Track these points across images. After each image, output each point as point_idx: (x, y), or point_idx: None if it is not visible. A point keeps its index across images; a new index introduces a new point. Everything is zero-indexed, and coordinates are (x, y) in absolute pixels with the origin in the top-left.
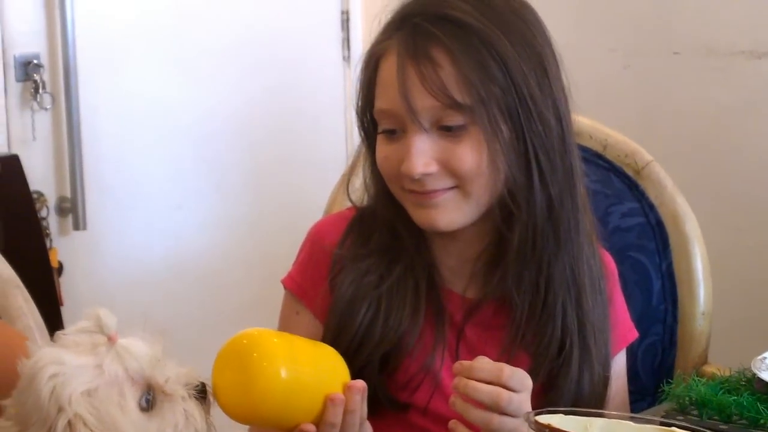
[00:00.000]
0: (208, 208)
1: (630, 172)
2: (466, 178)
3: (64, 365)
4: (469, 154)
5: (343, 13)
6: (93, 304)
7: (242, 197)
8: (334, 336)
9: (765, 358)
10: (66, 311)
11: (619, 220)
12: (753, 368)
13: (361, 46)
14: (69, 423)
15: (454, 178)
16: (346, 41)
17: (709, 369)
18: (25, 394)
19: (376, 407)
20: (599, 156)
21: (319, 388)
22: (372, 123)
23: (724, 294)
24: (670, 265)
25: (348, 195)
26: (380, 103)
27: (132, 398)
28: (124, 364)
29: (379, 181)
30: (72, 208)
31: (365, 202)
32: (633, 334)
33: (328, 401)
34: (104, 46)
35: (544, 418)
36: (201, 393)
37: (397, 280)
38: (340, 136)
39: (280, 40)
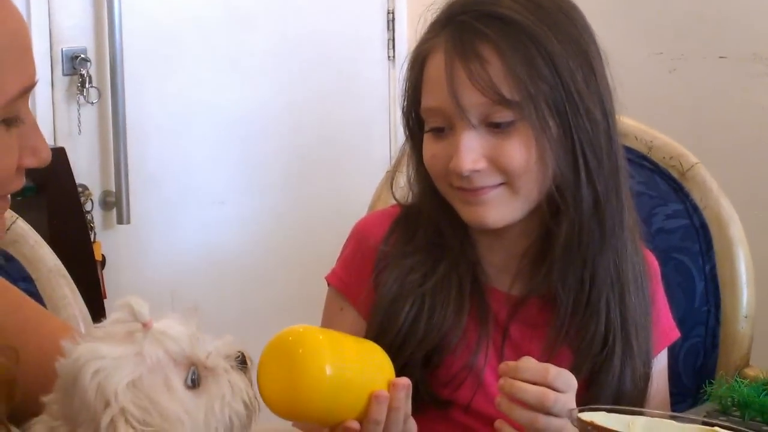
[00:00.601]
0: (251, 204)
1: (675, 174)
2: (515, 175)
3: (105, 358)
4: (518, 150)
5: (388, 12)
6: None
7: (286, 195)
8: (377, 334)
9: None
10: (109, 304)
11: (663, 222)
12: None
13: (406, 45)
14: (112, 420)
15: (502, 175)
16: (392, 41)
17: (751, 372)
18: (71, 393)
19: (419, 404)
20: (644, 157)
21: (363, 385)
22: (418, 122)
23: (767, 298)
24: (713, 268)
25: (392, 192)
26: (428, 101)
27: (178, 379)
28: (164, 346)
29: (424, 180)
30: (116, 202)
31: (409, 200)
32: (675, 334)
33: (373, 398)
34: (151, 41)
35: (587, 416)
36: (242, 363)
37: (441, 278)
38: (384, 135)
39: (326, 40)
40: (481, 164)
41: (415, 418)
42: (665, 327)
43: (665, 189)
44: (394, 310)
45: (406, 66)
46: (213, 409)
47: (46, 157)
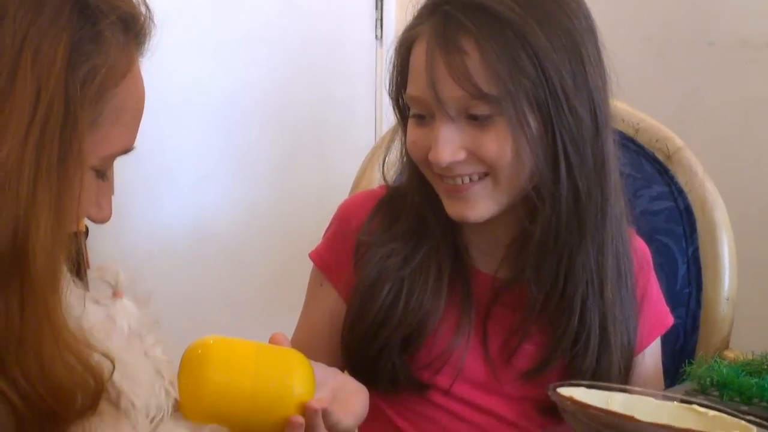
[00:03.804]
0: (235, 181)
1: (661, 157)
2: (497, 166)
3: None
4: (495, 144)
5: None
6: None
7: (271, 172)
8: (356, 316)
9: None
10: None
11: (647, 204)
12: None
13: (394, 25)
14: None
15: (483, 165)
16: (380, 21)
17: (730, 354)
18: None
19: (398, 386)
20: (631, 139)
21: (256, 397)
22: (405, 104)
23: (748, 281)
24: (696, 251)
25: (383, 172)
26: (410, 89)
27: (138, 352)
28: (128, 319)
29: (409, 162)
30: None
31: (396, 181)
32: (669, 320)
33: (287, 425)
34: None
35: (566, 391)
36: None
37: (421, 262)
38: (370, 115)
39: (314, 18)
40: (461, 155)
41: (395, 401)
42: (659, 315)
43: (650, 171)
44: (372, 293)
45: (393, 49)
46: (152, 390)
47: (106, 218)
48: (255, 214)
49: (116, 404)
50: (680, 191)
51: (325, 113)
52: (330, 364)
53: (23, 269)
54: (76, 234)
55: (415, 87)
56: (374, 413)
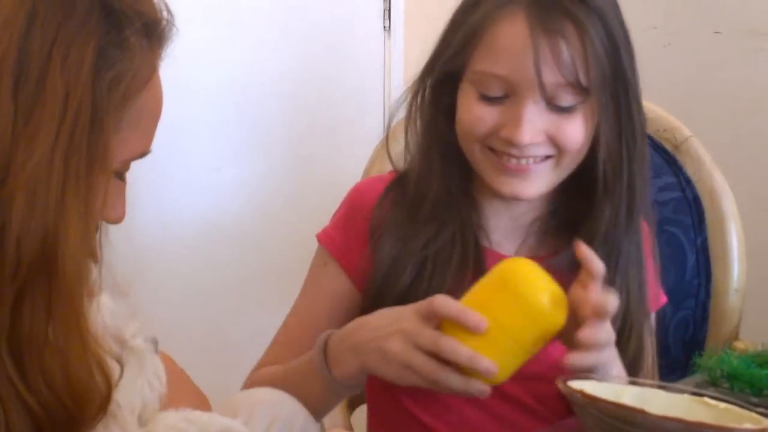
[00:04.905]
0: (246, 170)
1: (668, 147)
2: (569, 151)
3: None
4: (574, 130)
5: None
6: (128, 262)
7: (281, 161)
8: (374, 298)
9: None
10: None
11: (656, 194)
12: None
13: (402, 17)
14: None
15: (554, 148)
16: (388, 11)
17: (740, 345)
18: None
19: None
20: None
21: None
22: (446, 79)
23: (757, 272)
24: (705, 241)
25: (389, 156)
26: (491, 68)
27: (113, 352)
28: (102, 316)
29: (432, 143)
30: None
31: (404, 166)
32: (663, 298)
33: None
34: None
35: (577, 384)
36: (155, 347)
37: (443, 244)
38: (378, 104)
39: (323, 8)
40: (540, 138)
41: (411, 388)
42: (654, 292)
43: (659, 161)
44: (392, 274)
45: (448, 24)
46: (133, 386)
47: (120, 218)
48: (267, 204)
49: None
50: (688, 181)
51: (335, 103)
52: None
53: (51, 275)
54: None
55: (502, 66)
56: (389, 402)
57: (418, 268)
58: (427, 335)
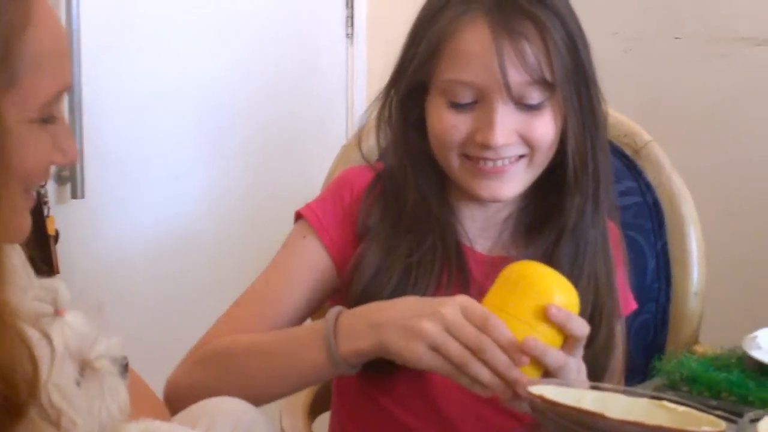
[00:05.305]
0: (207, 180)
1: (628, 152)
2: (539, 148)
3: None
4: (544, 127)
5: None
6: (89, 273)
7: (242, 170)
8: (357, 301)
9: (756, 336)
10: (61, 279)
11: (616, 199)
12: (744, 346)
13: (365, 23)
14: None
15: (526, 147)
16: (350, 19)
17: (699, 348)
18: None
19: (392, 368)
20: None
21: None
22: (413, 92)
23: (717, 275)
24: (665, 245)
25: (361, 153)
26: (459, 75)
27: (70, 372)
28: (65, 338)
29: (403, 157)
30: (70, 177)
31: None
32: (633, 304)
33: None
34: (107, 18)
35: (537, 389)
36: (124, 369)
37: (425, 251)
38: (341, 112)
39: (284, 15)
40: (512, 138)
41: (390, 386)
42: (625, 296)
43: (619, 166)
44: (378, 282)
45: (409, 37)
46: (92, 409)
47: (73, 157)
48: (231, 211)
49: (57, 425)
50: (648, 186)
51: (297, 111)
52: (295, 317)
53: None
54: (47, 236)
55: (470, 72)
56: (364, 403)
57: (402, 275)
58: (479, 311)
